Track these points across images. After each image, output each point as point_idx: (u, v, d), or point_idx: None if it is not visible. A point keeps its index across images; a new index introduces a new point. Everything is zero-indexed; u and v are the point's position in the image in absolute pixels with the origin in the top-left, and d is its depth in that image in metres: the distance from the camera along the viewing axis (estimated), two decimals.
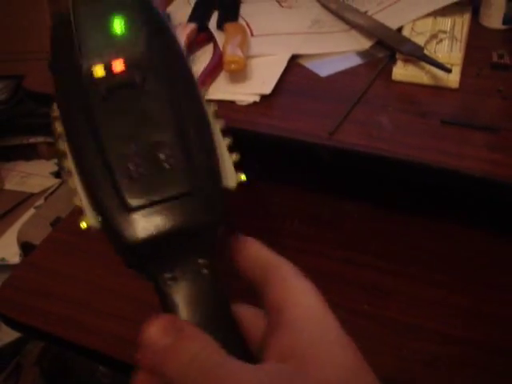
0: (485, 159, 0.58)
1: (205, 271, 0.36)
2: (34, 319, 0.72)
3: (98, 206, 0.35)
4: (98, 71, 0.37)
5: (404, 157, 0.59)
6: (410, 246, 0.77)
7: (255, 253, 0.38)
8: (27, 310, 0.73)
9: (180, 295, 0.35)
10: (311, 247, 0.77)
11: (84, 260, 0.79)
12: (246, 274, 0.38)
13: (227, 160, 0.39)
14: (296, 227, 0.80)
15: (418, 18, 0.77)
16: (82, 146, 0.36)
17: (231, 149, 0.39)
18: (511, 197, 0.57)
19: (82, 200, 0.36)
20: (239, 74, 0.70)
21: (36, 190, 1.60)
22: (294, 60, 0.75)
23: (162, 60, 0.38)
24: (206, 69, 0.71)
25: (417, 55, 0.68)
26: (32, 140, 1.71)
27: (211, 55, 0.75)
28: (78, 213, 0.35)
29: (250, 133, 0.64)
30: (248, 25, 0.81)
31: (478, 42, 0.76)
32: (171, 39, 0.40)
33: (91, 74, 0.37)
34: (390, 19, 0.78)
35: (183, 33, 0.76)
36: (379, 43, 0.76)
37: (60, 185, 1.50)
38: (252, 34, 0.79)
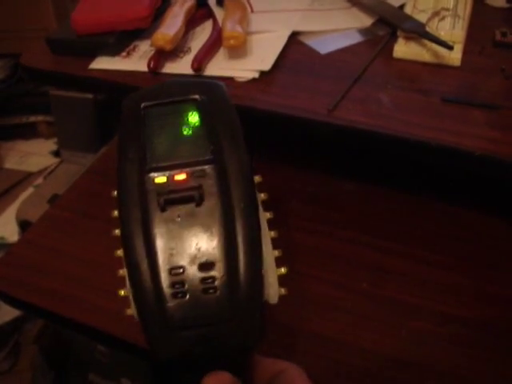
0: (485, 137, 0.57)
1: None
2: (31, 296, 0.72)
3: (140, 313, 0.37)
4: (160, 179, 0.39)
5: (403, 134, 0.58)
6: (411, 226, 0.77)
7: (264, 366, 0.41)
8: (25, 286, 0.73)
9: None
10: (310, 226, 0.76)
11: (81, 237, 0.78)
12: None
13: (273, 274, 0.40)
14: (294, 206, 0.79)
15: None
16: (134, 248, 0.37)
17: (279, 261, 0.40)
18: (511, 175, 0.57)
19: (130, 294, 0.38)
20: (238, 51, 0.69)
21: (35, 169, 1.60)
22: (294, 37, 0.74)
23: (224, 176, 0.39)
24: (204, 45, 0.71)
25: (418, 32, 0.68)
26: (31, 119, 1.70)
27: (210, 31, 0.75)
28: (126, 301, 0.38)
29: (248, 109, 0.64)
30: (248, 1, 0.80)
31: (481, 20, 0.75)
32: (238, 150, 0.40)
33: (153, 180, 0.39)
34: None
35: (182, 8, 0.75)
36: (380, 21, 0.75)
37: (59, 164, 1.49)
38: (252, 11, 0.78)
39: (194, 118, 0.42)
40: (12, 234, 1.38)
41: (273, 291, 0.39)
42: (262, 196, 0.42)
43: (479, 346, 0.63)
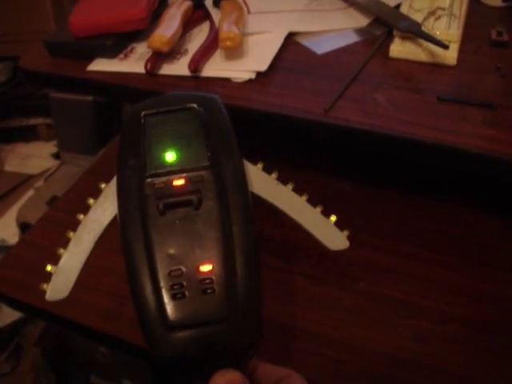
0: (481, 136, 0.57)
1: None
2: (32, 297, 0.72)
3: (139, 314, 0.38)
4: (160, 184, 0.40)
5: (399, 133, 0.58)
6: (408, 225, 0.77)
7: (266, 371, 0.41)
8: (25, 288, 0.73)
9: None
10: None
11: None
12: None
13: (327, 225, 0.43)
14: None
15: None
16: (134, 251, 0.39)
17: (325, 212, 0.43)
18: (507, 173, 0.57)
19: (53, 272, 0.42)
20: (235, 51, 0.70)
21: (35, 172, 1.60)
22: (290, 38, 0.74)
23: (221, 182, 0.40)
24: (201, 46, 0.71)
25: (414, 32, 0.68)
26: (32, 121, 1.71)
27: (207, 33, 0.75)
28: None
29: (245, 110, 0.64)
30: (245, 2, 0.80)
31: (476, 19, 0.76)
32: (233, 157, 0.42)
33: (153, 185, 0.40)
34: None
35: (179, 10, 0.75)
36: (377, 20, 0.75)
37: (59, 166, 1.49)
38: (249, 12, 0.79)
39: (191, 125, 0.43)
40: (13, 236, 1.38)
41: (337, 237, 0.42)
42: (273, 175, 0.45)
43: (478, 345, 0.63)
